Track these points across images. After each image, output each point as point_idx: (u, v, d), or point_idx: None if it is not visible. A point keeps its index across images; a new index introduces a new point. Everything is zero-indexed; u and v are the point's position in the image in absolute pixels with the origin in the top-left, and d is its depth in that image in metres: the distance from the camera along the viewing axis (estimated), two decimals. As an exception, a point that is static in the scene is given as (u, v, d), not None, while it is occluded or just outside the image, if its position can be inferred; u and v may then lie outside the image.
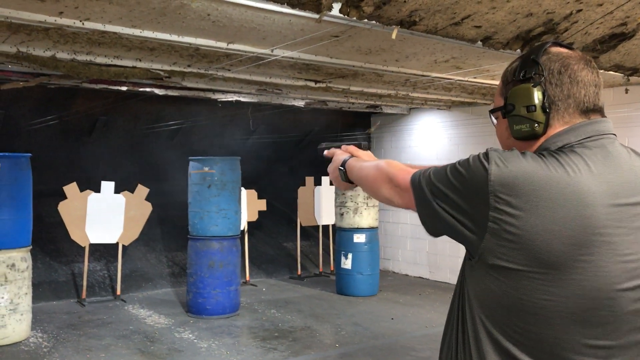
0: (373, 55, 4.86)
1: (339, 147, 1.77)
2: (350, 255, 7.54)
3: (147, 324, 6.24)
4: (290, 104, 7.81)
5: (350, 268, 7.55)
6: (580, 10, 2.45)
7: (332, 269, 9.06)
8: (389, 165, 1.48)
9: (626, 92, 6.34)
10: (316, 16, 2.31)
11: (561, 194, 1.10)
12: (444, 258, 8.74)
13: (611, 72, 4.87)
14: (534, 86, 1.22)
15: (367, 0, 1.94)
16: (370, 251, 7.63)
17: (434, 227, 1.31)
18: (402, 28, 2.28)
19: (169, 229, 8.78)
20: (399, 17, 2.12)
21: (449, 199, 1.23)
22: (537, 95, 1.22)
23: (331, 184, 8.66)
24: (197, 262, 6.49)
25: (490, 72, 5.68)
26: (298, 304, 7.22)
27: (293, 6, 1.96)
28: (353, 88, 6.56)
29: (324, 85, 6.31)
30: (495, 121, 1.37)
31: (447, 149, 8.69)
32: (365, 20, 2.11)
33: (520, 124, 1.25)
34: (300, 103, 7.85)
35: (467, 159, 1.21)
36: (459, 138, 8.55)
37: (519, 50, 2.61)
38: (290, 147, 9.65)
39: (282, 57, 4.73)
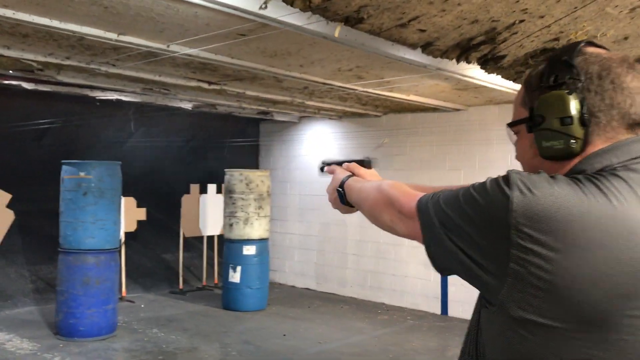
0: (278, 58, 4.58)
1: (341, 164, 1.54)
2: (239, 269, 7.16)
3: (7, 350, 5.43)
4: (176, 105, 7.30)
5: (238, 282, 7.17)
6: (523, 20, 2.36)
7: (216, 281, 8.62)
8: (391, 187, 1.23)
9: None
10: (255, 7, 1.98)
11: (604, 231, 0.87)
12: (331, 269, 8.63)
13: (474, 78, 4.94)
14: (570, 93, 0.99)
15: (316, -12, 1.68)
16: (260, 264, 7.31)
17: (443, 263, 1.06)
18: (345, 25, 2.05)
19: (32, 240, 7.84)
20: (346, 13, 1.87)
21: (462, 231, 0.99)
22: (574, 105, 0.98)
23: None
24: (70, 279, 5.78)
25: (390, 84, 5.62)
26: (182, 321, 6.71)
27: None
28: (249, 92, 6.23)
29: (218, 87, 5.92)
30: (514, 137, 1.12)
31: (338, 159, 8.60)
32: (309, 13, 1.84)
33: (551, 139, 1.01)
34: (188, 105, 7.37)
35: (484, 183, 0.98)
36: (350, 149, 8.50)
37: (454, 61, 2.48)
38: (174, 152, 9.08)
39: (179, 54, 4.31)
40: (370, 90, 5.90)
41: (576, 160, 1.00)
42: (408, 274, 7.76)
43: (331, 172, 1.55)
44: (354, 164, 1.52)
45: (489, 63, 2.56)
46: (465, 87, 5.89)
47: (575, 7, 2.30)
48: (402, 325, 6.91)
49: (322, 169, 1.63)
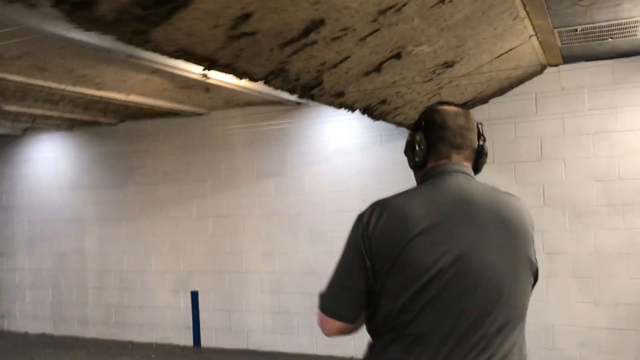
0: None
1: None
2: None
3: None
4: None
5: None
6: None
7: None
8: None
9: (207, 92, 5.41)
10: None
11: (390, 215, 1.50)
12: (70, 308, 7.28)
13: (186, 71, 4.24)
14: (415, 132, 1.70)
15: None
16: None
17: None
18: None
19: None
20: None
21: None
22: (417, 138, 1.68)
23: None
24: None
25: (88, 78, 4.62)
26: None
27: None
28: None
29: None
30: None
31: (72, 177, 7.33)
32: None
33: (409, 158, 1.73)
34: None
35: None
36: (85, 163, 7.28)
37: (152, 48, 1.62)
38: None
39: None
40: (68, 87, 4.81)
41: (422, 172, 1.69)
42: (156, 305, 6.75)
43: None
44: None
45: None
46: (188, 85, 5.11)
47: None
48: (143, 367, 5.87)
49: None
